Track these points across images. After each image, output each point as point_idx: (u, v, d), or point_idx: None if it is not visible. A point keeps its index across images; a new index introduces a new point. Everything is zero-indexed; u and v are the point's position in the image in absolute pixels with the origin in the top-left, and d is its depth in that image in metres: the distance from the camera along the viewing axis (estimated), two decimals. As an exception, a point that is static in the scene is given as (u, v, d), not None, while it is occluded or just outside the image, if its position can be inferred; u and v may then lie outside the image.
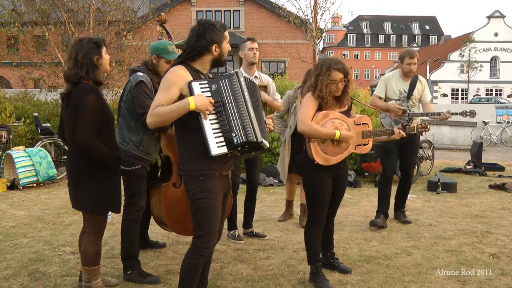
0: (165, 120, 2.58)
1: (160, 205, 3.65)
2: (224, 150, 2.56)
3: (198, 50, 2.67)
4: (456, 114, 5.02)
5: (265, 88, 4.65)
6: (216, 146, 2.54)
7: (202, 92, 2.57)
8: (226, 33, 2.74)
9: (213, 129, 2.56)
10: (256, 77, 4.64)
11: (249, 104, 2.64)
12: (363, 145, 3.53)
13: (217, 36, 2.68)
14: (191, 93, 2.56)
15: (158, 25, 4.03)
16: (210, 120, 2.56)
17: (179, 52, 3.88)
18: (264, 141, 2.66)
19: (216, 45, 2.68)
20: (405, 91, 5.14)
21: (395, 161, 5.33)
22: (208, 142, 2.53)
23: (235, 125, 2.57)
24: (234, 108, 2.58)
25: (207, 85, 2.61)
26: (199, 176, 2.62)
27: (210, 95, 2.58)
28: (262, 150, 2.80)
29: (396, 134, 3.63)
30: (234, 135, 2.56)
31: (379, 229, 4.96)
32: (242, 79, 2.66)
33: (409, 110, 5.05)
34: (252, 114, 2.63)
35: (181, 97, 2.58)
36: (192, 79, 2.61)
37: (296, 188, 5.51)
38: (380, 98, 5.25)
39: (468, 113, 5.02)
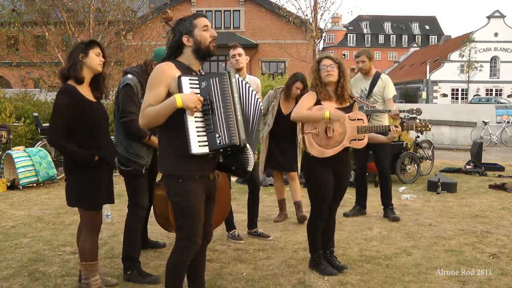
0: (155, 120, 2.52)
1: (167, 204, 3.60)
2: (205, 150, 2.47)
3: (172, 46, 2.64)
4: (404, 111, 5.50)
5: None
6: (198, 145, 2.44)
7: (191, 87, 2.48)
8: (198, 21, 2.64)
9: (196, 127, 2.47)
10: (247, 82, 4.63)
11: (238, 106, 2.55)
12: (359, 140, 3.59)
13: (184, 26, 2.62)
14: (180, 88, 2.47)
15: (164, 22, 3.91)
16: (195, 117, 2.47)
17: None
18: (248, 147, 2.57)
19: (186, 35, 2.61)
20: (365, 89, 5.57)
21: (363, 160, 5.74)
22: (189, 140, 2.43)
23: (220, 126, 2.48)
24: (221, 109, 2.49)
25: (197, 81, 2.52)
26: (178, 178, 2.56)
27: (199, 92, 2.50)
28: (244, 166, 2.67)
29: (393, 132, 3.65)
30: (217, 136, 2.46)
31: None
32: (233, 80, 2.57)
33: (367, 107, 5.36)
34: (240, 117, 2.54)
35: (169, 94, 2.52)
36: (180, 73, 2.53)
37: (285, 186, 5.55)
38: None
39: (414, 111, 5.44)
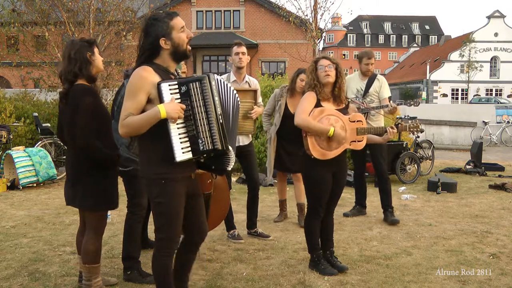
0: (137, 131, 2.48)
1: None
2: (189, 156, 2.48)
3: (149, 49, 2.56)
4: (401, 104, 5.26)
5: (254, 92, 4.66)
6: (181, 152, 2.45)
7: (171, 93, 2.46)
8: (175, 22, 2.57)
9: (179, 134, 2.47)
10: (246, 81, 4.65)
11: (219, 110, 2.55)
12: (358, 141, 3.66)
13: (161, 29, 2.54)
14: (160, 95, 2.45)
15: None
16: (177, 124, 2.47)
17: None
18: (230, 148, 2.59)
19: (163, 38, 2.54)
20: (361, 89, 5.51)
21: (360, 160, 5.74)
22: (173, 148, 2.44)
23: (202, 131, 2.49)
24: (203, 114, 2.49)
25: (176, 86, 2.49)
26: (161, 180, 2.54)
27: (179, 97, 2.48)
28: (223, 166, 2.68)
29: (389, 133, 3.71)
30: (200, 141, 2.48)
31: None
32: (213, 83, 2.56)
33: (363, 107, 5.33)
34: (221, 121, 2.54)
35: (149, 100, 2.49)
36: (160, 79, 2.49)
37: (287, 187, 5.53)
38: None
39: (412, 103, 5.39)
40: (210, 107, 2.51)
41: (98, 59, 3.12)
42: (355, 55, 66.65)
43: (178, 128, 2.48)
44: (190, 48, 2.66)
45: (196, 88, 2.50)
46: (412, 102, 5.37)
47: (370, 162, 7.71)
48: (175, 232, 2.64)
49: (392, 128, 3.70)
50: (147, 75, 2.49)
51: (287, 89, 5.11)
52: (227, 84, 2.68)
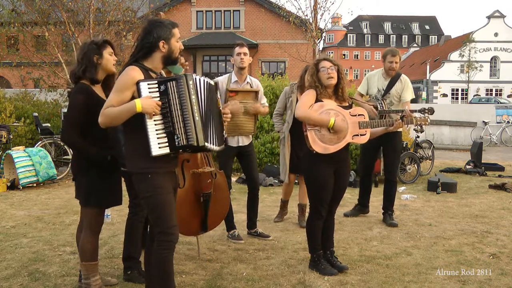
0: (114, 121, 2.65)
1: None
2: (166, 151, 2.62)
3: (147, 47, 2.72)
4: (416, 111, 5.14)
5: (256, 93, 4.66)
6: (158, 147, 2.60)
7: (150, 92, 2.61)
8: (175, 31, 2.78)
9: (156, 130, 2.61)
10: (248, 82, 4.64)
11: (195, 108, 2.68)
12: (361, 135, 3.62)
13: (164, 32, 2.72)
14: (139, 93, 2.60)
15: None
16: (155, 120, 2.61)
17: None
18: (207, 144, 2.72)
19: (163, 41, 2.72)
20: (383, 89, 5.30)
21: (371, 160, 5.66)
22: (150, 142, 2.58)
23: (178, 128, 2.63)
24: (179, 111, 2.63)
25: (156, 85, 2.64)
26: (147, 174, 2.67)
27: (158, 95, 2.63)
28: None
29: (395, 126, 3.70)
30: (176, 137, 2.62)
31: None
32: (190, 83, 2.69)
33: (382, 107, 5.17)
34: (197, 118, 2.67)
35: (133, 98, 2.64)
36: (141, 79, 2.64)
37: (293, 188, 5.51)
38: (362, 95, 5.52)
39: (426, 110, 5.02)
40: (185, 105, 2.65)
41: (107, 61, 3.17)
42: (355, 55, 66.79)
43: (156, 124, 2.62)
44: (179, 57, 2.88)
45: (173, 87, 2.66)
46: (427, 110, 5.15)
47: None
48: (169, 224, 2.72)
49: (396, 120, 3.70)
50: (138, 75, 2.65)
51: (297, 86, 5.07)
52: (207, 83, 2.84)
